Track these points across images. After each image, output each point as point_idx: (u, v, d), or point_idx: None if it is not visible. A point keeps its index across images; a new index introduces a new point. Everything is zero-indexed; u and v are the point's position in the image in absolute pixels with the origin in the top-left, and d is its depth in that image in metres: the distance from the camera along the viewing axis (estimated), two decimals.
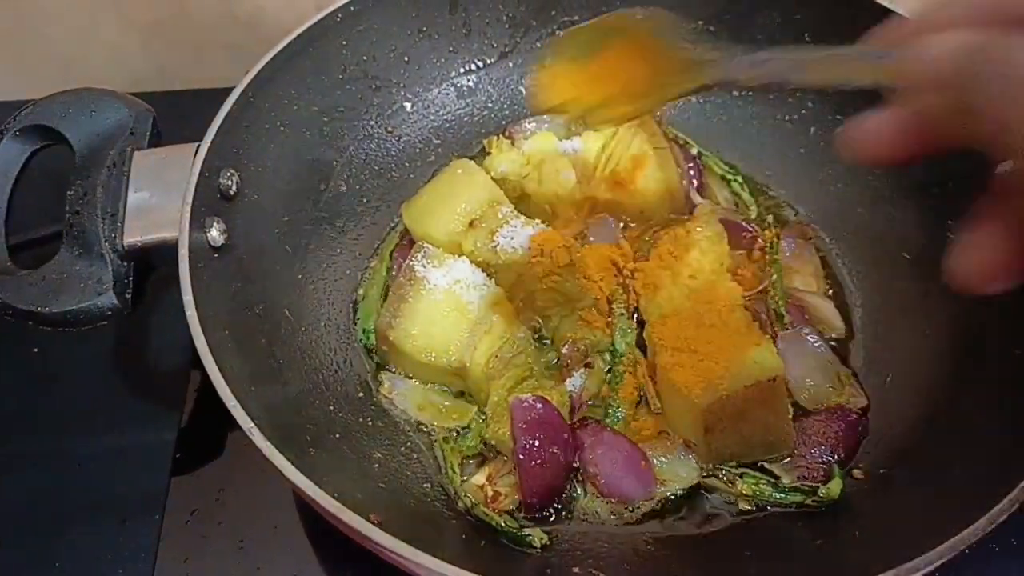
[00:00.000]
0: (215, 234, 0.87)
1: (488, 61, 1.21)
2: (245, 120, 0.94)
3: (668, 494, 0.89)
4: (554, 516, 0.88)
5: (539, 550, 0.84)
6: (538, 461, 0.86)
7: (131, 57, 1.42)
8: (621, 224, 1.08)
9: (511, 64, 1.22)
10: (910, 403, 0.93)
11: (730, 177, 1.15)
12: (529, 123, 1.17)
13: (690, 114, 1.22)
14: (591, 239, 1.03)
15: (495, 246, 0.98)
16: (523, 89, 1.23)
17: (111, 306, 0.84)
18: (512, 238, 0.98)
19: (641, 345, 0.98)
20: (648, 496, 0.89)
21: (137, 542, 0.94)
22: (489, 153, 1.14)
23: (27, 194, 0.92)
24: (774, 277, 1.02)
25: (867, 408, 0.95)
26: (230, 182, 0.91)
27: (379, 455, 0.91)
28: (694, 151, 1.17)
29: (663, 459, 0.91)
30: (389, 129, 1.16)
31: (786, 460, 0.91)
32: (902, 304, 1.02)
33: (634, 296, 0.99)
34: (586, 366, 0.96)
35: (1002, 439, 0.80)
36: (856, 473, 0.90)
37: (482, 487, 0.89)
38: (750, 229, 1.08)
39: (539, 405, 0.88)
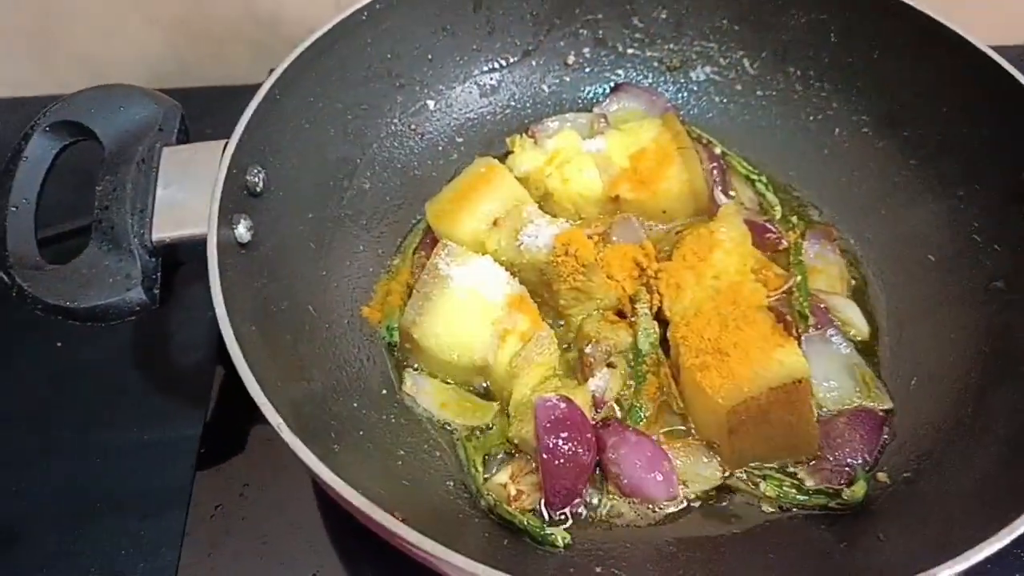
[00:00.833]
0: (242, 230, 0.88)
1: (511, 60, 1.21)
2: (271, 118, 0.94)
3: (691, 495, 0.89)
4: (577, 515, 0.88)
5: (562, 549, 0.84)
6: (561, 460, 0.86)
7: (154, 54, 1.43)
8: (645, 224, 1.08)
9: (534, 63, 1.22)
10: (935, 406, 0.93)
11: (754, 177, 1.15)
12: (552, 122, 1.17)
13: (714, 114, 1.22)
14: (615, 239, 1.03)
15: (519, 245, 0.98)
16: (546, 88, 1.23)
17: (140, 301, 0.85)
18: (536, 237, 0.98)
19: (664, 345, 0.98)
20: (671, 497, 0.89)
21: (161, 536, 0.95)
22: (512, 152, 1.14)
23: (57, 189, 0.93)
24: (798, 278, 1.01)
25: (892, 410, 0.95)
26: (257, 179, 0.92)
27: (402, 452, 0.91)
28: (718, 151, 1.17)
29: (686, 460, 0.91)
30: (412, 127, 1.16)
31: (811, 462, 0.90)
32: (927, 306, 1.01)
33: (657, 296, 0.98)
34: (609, 366, 0.96)
35: None
36: (880, 476, 0.90)
37: (504, 485, 0.89)
38: (774, 230, 1.08)
39: (563, 404, 0.88)
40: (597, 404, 0.94)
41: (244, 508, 0.95)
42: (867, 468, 0.90)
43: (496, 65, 1.21)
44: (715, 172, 1.13)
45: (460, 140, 1.20)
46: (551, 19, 1.19)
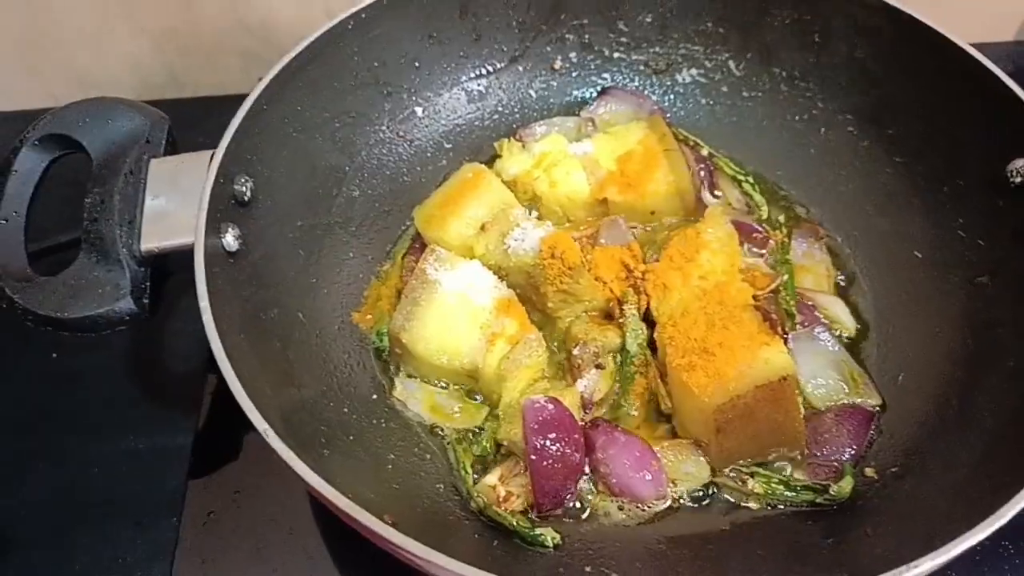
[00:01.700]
0: (230, 240, 0.89)
1: (498, 66, 1.22)
2: (258, 127, 0.95)
3: (679, 493, 0.90)
4: (566, 515, 0.89)
5: (552, 549, 0.84)
6: (549, 461, 0.86)
7: (144, 65, 1.44)
8: (632, 226, 1.09)
9: (521, 68, 1.23)
10: (922, 401, 0.93)
11: (741, 178, 1.16)
12: (539, 126, 1.18)
13: (700, 116, 1.23)
14: (603, 241, 1.03)
15: (506, 248, 0.99)
16: (533, 92, 1.24)
17: (129, 311, 0.85)
18: (523, 240, 0.98)
19: (652, 345, 0.98)
20: (660, 496, 0.89)
21: (155, 544, 0.96)
22: (500, 156, 1.15)
23: (46, 202, 0.93)
24: (785, 277, 1.02)
25: (880, 406, 0.95)
26: (244, 188, 0.93)
27: (392, 456, 0.91)
28: (704, 152, 1.18)
29: (674, 459, 0.91)
30: (400, 134, 1.17)
31: (797, 458, 0.91)
32: (913, 302, 1.02)
33: (645, 297, 0.99)
34: (597, 367, 0.96)
35: (1015, 437, 0.80)
36: (868, 471, 0.90)
37: (494, 487, 0.90)
38: (760, 230, 1.08)
39: (551, 406, 0.88)
40: (586, 405, 0.95)
41: (237, 515, 0.96)
42: (854, 463, 0.91)
43: (483, 71, 1.21)
44: (702, 173, 1.14)
45: (448, 146, 1.21)
46: (537, 25, 1.20)
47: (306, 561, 0.93)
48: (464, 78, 1.21)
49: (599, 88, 1.24)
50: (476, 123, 1.22)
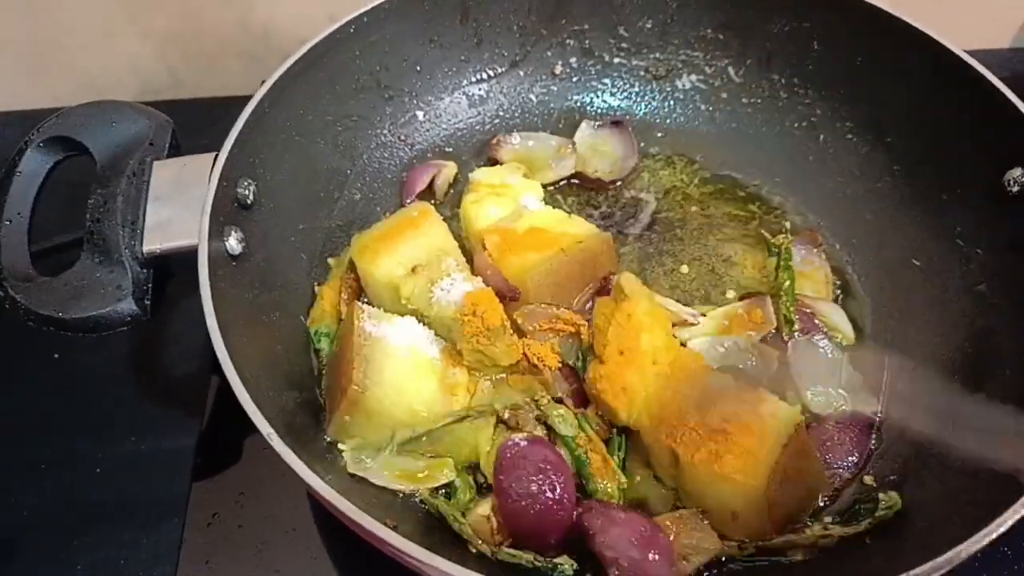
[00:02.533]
0: (233, 243, 0.89)
1: (499, 70, 1.22)
2: (261, 130, 0.96)
3: (692, 569, 0.83)
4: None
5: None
6: (516, 498, 0.82)
7: (147, 67, 1.45)
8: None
9: (522, 73, 1.23)
10: (920, 409, 0.93)
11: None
12: (516, 137, 1.19)
13: (700, 122, 1.23)
14: (529, 328, 0.96)
15: (431, 297, 0.94)
16: (534, 97, 1.25)
17: (131, 312, 0.86)
18: (449, 291, 0.93)
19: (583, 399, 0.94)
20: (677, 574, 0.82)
21: (158, 546, 0.96)
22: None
23: (50, 204, 0.94)
24: (787, 283, 1.03)
25: (879, 413, 0.96)
26: (247, 191, 0.93)
27: None
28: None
29: (678, 533, 0.84)
30: (402, 138, 1.18)
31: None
32: (912, 310, 1.03)
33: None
34: (542, 423, 0.91)
35: (1013, 445, 0.81)
36: (867, 479, 0.90)
37: (487, 518, 0.86)
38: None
39: (523, 443, 0.85)
40: None
41: (240, 516, 0.96)
42: (854, 473, 0.91)
43: (484, 76, 1.22)
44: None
45: (449, 150, 1.21)
46: (538, 30, 1.20)
47: (309, 563, 0.94)
48: (465, 82, 1.22)
49: (598, 93, 1.25)
50: (477, 127, 1.23)
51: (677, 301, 1.04)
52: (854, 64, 1.11)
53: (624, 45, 1.23)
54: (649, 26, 1.21)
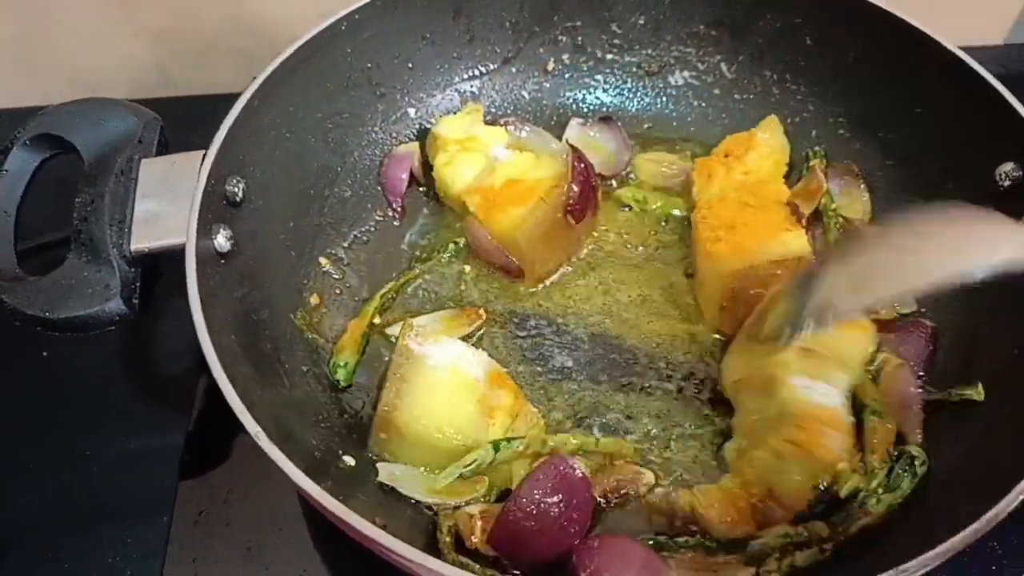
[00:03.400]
0: (221, 240, 0.88)
1: (491, 67, 1.22)
2: (250, 128, 0.95)
3: None
4: None
5: None
6: (526, 505, 0.80)
7: (139, 64, 1.44)
8: None
9: (514, 70, 1.23)
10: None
11: None
12: (528, 129, 1.18)
13: (692, 118, 1.23)
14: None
15: None
16: (526, 94, 1.24)
17: (119, 312, 0.85)
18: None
19: None
20: None
21: (145, 544, 0.95)
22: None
23: (37, 202, 0.93)
24: (830, 210, 1.07)
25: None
26: (236, 189, 0.92)
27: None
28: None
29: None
30: (393, 135, 1.17)
31: None
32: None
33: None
34: None
35: (1001, 440, 0.81)
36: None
37: (471, 517, 0.84)
38: None
39: (578, 473, 0.82)
40: None
41: (228, 515, 0.96)
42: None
43: (476, 72, 1.21)
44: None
45: None
46: (530, 26, 1.20)
47: (296, 560, 0.93)
48: (457, 79, 1.21)
49: (591, 90, 1.25)
50: None
51: None
52: (846, 60, 1.11)
53: (617, 41, 1.22)
54: (642, 22, 1.20)
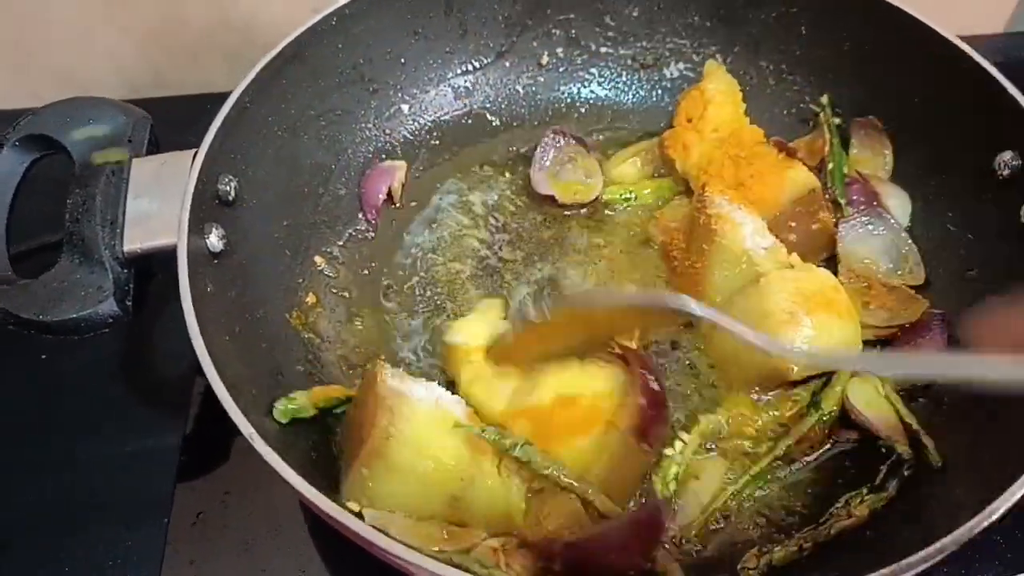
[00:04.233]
0: (214, 240, 0.88)
1: (484, 61, 1.21)
2: (242, 126, 0.94)
3: None
4: None
5: None
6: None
7: (129, 64, 1.43)
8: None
9: (508, 64, 1.22)
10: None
11: None
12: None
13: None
14: None
15: None
16: (520, 88, 1.23)
17: (112, 313, 0.84)
18: None
19: None
20: None
21: (143, 546, 0.95)
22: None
23: (28, 203, 0.93)
24: (831, 166, 1.07)
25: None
26: (228, 188, 0.92)
27: None
28: None
29: None
30: (387, 131, 1.17)
31: None
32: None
33: None
34: None
35: (1002, 430, 0.80)
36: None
37: (495, 550, 0.78)
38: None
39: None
40: None
41: (226, 515, 0.95)
42: None
43: (470, 67, 1.21)
44: None
45: (436, 143, 1.20)
46: (523, 20, 1.19)
47: (295, 561, 0.92)
48: (450, 74, 1.20)
49: (586, 83, 1.24)
50: (463, 120, 1.22)
51: None
52: (842, 50, 1.10)
53: (611, 34, 1.21)
54: (636, 14, 1.20)
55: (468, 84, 1.21)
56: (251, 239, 0.95)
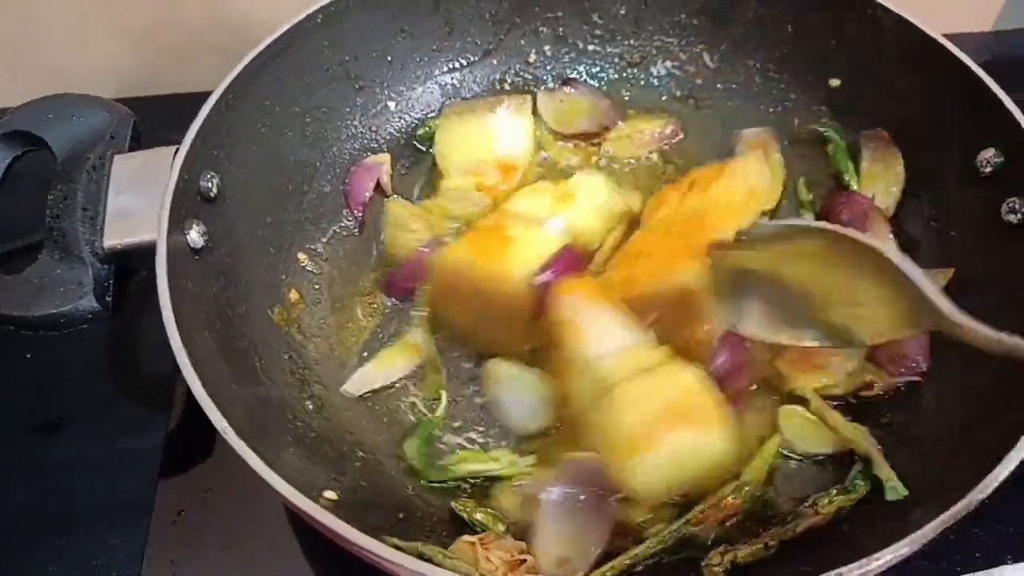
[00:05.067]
0: (195, 236, 0.88)
1: (472, 59, 1.21)
2: (225, 122, 0.94)
3: None
4: None
5: None
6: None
7: (121, 63, 1.43)
8: None
9: (495, 61, 1.22)
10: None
11: None
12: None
13: (677, 106, 1.21)
14: None
15: None
16: (508, 86, 1.23)
17: (91, 309, 0.85)
18: None
19: None
20: None
21: (130, 545, 0.94)
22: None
23: (9, 200, 0.92)
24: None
25: None
26: (211, 184, 0.91)
27: (361, 454, 0.91)
28: None
29: None
30: (373, 129, 1.16)
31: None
32: None
33: None
34: None
35: (979, 427, 0.80)
36: None
37: (473, 544, 0.80)
38: None
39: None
40: None
41: (207, 513, 0.95)
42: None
43: (457, 65, 1.20)
44: None
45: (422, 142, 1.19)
46: (511, 18, 1.19)
47: (277, 559, 0.92)
48: (437, 72, 1.20)
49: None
50: None
51: None
52: (829, 47, 1.10)
53: (598, 32, 1.21)
54: (623, 13, 1.19)
55: (455, 81, 1.21)
56: (234, 236, 0.95)
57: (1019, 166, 0.90)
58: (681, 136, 1.17)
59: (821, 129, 1.11)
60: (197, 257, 0.88)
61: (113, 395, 1.08)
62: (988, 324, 0.87)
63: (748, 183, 1.00)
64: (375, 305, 1.05)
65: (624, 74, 1.23)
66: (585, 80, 1.22)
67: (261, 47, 0.99)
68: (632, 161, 1.16)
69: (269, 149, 1.02)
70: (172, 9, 1.37)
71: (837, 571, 0.64)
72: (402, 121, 1.18)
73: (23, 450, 1.03)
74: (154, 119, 0.97)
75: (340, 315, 1.04)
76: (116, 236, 0.86)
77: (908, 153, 1.04)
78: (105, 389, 1.09)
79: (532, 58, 1.22)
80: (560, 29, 1.21)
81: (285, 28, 1.01)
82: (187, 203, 0.87)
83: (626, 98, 1.22)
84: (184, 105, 0.95)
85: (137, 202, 0.88)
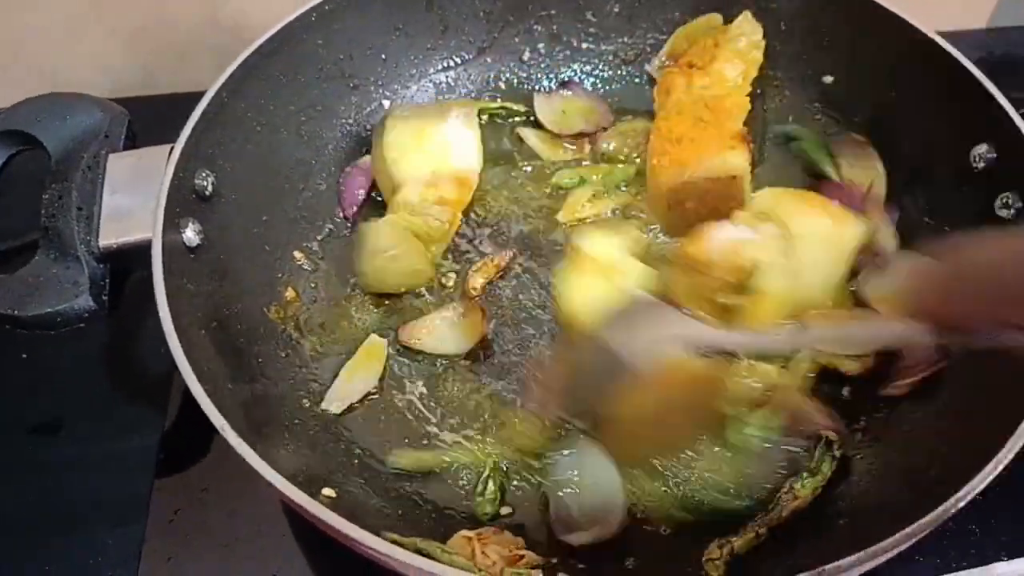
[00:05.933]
0: (190, 235, 0.88)
1: (466, 57, 1.21)
2: (220, 121, 0.94)
3: None
4: None
5: None
6: None
7: (116, 64, 1.43)
8: None
9: (489, 60, 1.22)
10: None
11: None
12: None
13: None
14: None
15: None
16: (502, 84, 1.23)
17: (87, 308, 0.85)
18: None
19: None
20: None
21: (128, 545, 0.94)
22: None
23: (4, 199, 0.92)
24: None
25: None
26: (206, 183, 0.92)
27: (359, 450, 0.91)
28: None
29: None
30: (368, 127, 1.16)
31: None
32: None
33: None
34: None
35: (970, 416, 0.81)
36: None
37: (469, 540, 0.81)
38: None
39: None
40: None
41: (204, 512, 0.95)
42: None
43: (451, 63, 1.21)
44: None
45: None
46: (505, 16, 1.19)
47: (274, 558, 0.92)
48: (432, 70, 1.20)
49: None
50: None
51: None
52: (822, 44, 1.11)
53: (592, 30, 1.21)
54: (617, 10, 1.20)
55: (449, 80, 1.21)
56: (229, 234, 0.95)
57: (1012, 161, 0.91)
58: None
59: (788, 129, 1.13)
60: (193, 256, 0.88)
61: (109, 394, 1.08)
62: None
63: (740, 49, 1.07)
64: (371, 302, 1.05)
65: (618, 72, 1.23)
66: (580, 79, 1.22)
67: (255, 46, 0.99)
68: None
69: (264, 148, 1.03)
70: (166, 9, 1.37)
71: (836, 563, 0.64)
72: None
73: (19, 450, 1.03)
74: (148, 119, 0.97)
75: (336, 312, 1.04)
76: (111, 235, 0.86)
77: (902, 149, 1.04)
78: (101, 388, 1.08)
79: (526, 56, 1.23)
80: (554, 27, 1.21)
81: (279, 27, 1.02)
82: (182, 202, 0.87)
83: (620, 96, 1.23)
84: (179, 104, 0.95)
85: (132, 201, 0.88)
